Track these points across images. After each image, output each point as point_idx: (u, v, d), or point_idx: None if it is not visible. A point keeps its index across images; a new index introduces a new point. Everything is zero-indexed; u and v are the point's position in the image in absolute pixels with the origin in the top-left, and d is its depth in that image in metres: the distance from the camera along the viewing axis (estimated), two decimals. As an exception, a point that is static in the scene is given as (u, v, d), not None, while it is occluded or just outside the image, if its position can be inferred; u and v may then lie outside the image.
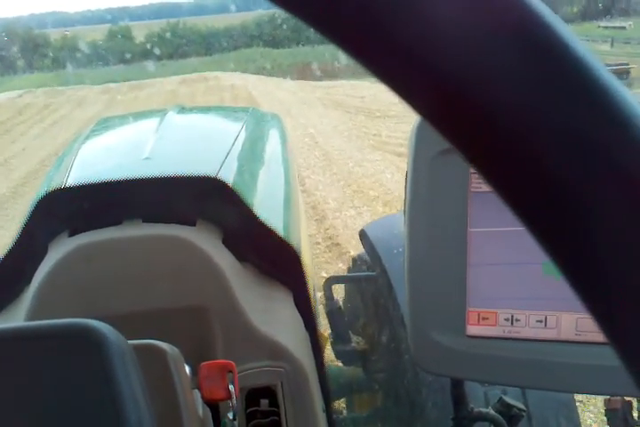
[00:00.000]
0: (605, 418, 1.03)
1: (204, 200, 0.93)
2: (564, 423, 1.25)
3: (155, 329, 0.70)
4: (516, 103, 0.16)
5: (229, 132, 1.53)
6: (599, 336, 0.60)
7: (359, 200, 5.26)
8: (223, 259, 0.88)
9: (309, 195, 5.41)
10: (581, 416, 1.39)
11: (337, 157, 6.86)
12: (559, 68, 0.16)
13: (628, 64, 11.66)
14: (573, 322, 0.61)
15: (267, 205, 1.17)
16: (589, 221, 0.16)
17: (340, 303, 1.82)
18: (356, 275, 1.83)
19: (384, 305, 1.51)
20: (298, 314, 0.96)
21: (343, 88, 12.60)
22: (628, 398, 1.01)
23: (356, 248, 2.76)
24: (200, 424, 0.65)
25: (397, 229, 1.55)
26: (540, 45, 0.16)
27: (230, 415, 0.74)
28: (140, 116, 1.97)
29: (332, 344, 1.75)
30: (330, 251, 4.21)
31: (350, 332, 1.77)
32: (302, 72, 16.79)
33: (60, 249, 0.86)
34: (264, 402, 0.83)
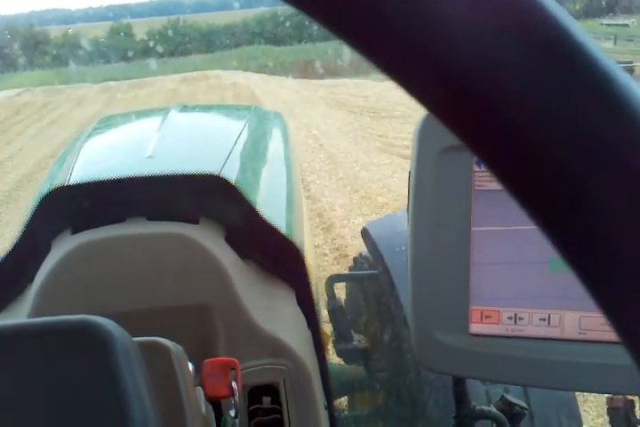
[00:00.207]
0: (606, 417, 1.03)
1: (207, 198, 0.93)
2: (566, 422, 1.25)
3: (158, 327, 0.70)
4: (527, 98, 0.16)
5: (232, 130, 1.53)
6: (602, 335, 0.60)
7: (367, 207, 5.02)
8: (226, 257, 0.88)
9: (315, 201, 5.21)
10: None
11: (342, 161, 6.62)
12: (569, 62, 0.16)
13: (632, 62, 11.62)
14: (577, 320, 0.61)
15: (269, 203, 1.17)
16: (600, 217, 0.16)
17: (343, 302, 1.82)
18: (358, 273, 1.83)
19: (386, 303, 1.51)
20: (300, 312, 0.96)
21: (346, 87, 12.41)
22: (630, 397, 1.01)
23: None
24: (203, 422, 0.65)
25: (400, 228, 1.55)
26: (550, 40, 0.16)
27: (232, 413, 0.74)
28: (142, 114, 1.97)
29: (334, 342, 1.75)
30: (338, 263, 3.91)
31: (352, 330, 1.78)
32: (304, 70, 16.75)
33: (62, 247, 0.86)
34: (266, 400, 0.83)
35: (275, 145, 1.67)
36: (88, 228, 0.88)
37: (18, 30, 28.04)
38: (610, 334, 0.59)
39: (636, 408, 1.02)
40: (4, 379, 0.46)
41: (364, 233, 1.70)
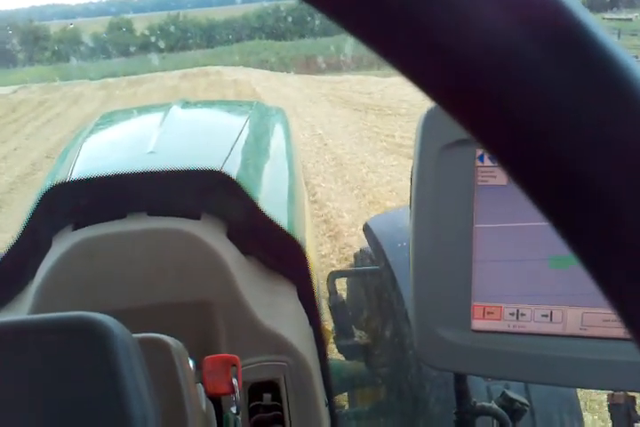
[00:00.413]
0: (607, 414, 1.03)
1: (209, 194, 0.92)
2: (567, 418, 1.25)
3: (158, 323, 0.69)
4: (540, 91, 0.16)
5: (234, 125, 1.53)
6: (604, 331, 0.60)
7: (376, 213, 4.55)
8: (227, 252, 0.88)
9: (321, 206, 4.97)
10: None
11: (348, 162, 6.35)
12: (585, 60, 0.16)
13: (637, 56, 11.59)
14: (579, 317, 0.60)
15: (271, 199, 1.17)
16: (614, 212, 0.16)
17: (344, 297, 1.82)
18: (359, 269, 1.83)
19: (388, 299, 1.51)
20: (302, 308, 0.96)
21: (349, 83, 12.19)
22: (631, 394, 1.01)
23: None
24: (203, 419, 0.65)
25: (402, 223, 1.55)
26: (564, 32, 0.16)
27: (233, 410, 0.74)
28: (144, 110, 1.97)
29: (335, 339, 1.75)
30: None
31: (353, 326, 1.78)
32: (306, 66, 16.68)
33: (63, 243, 0.86)
34: (267, 396, 0.83)
35: (276, 140, 1.67)
36: (89, 224, 0.88)
37: (17, 25, 27.96)
38: (612, 331, 0.59)
39: (637, 405, 1.02)
40: (3, 376, 0.46)
41: (366, 229, 1.70)
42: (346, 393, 1.95)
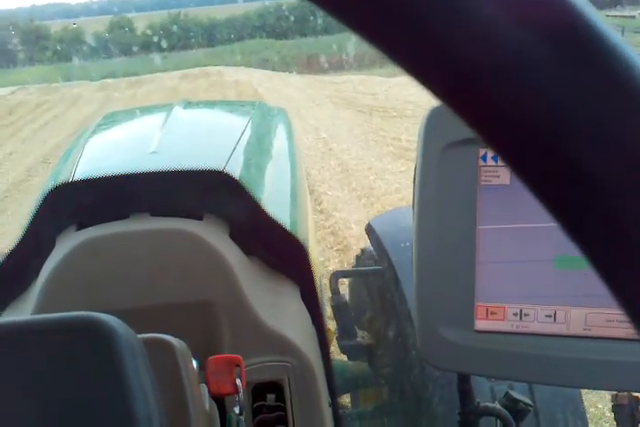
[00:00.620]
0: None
1: (211, 194, 0.92)
2: (571, 419, 1.24)
3: (162, 323, 0.69)
4: (547, 90, 0.16)
5: (236, 126, 1.53)
6: (608, 331, 0.60)
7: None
8: (230, 253, 0.88)
9: (328, 217, 4.70)
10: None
11: (355, 168, 6.03)
12: (592, 58, 0.16)
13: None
14: (582, 317, 0.60)
15: (274, 199, 1.17)
16: (618, 209, 0.16)
17: (347, 298, 1.82)
18: (362, 269, 1.83)
19: (390, 299, 1.51)
20: (305, 308, 0.96)
21: (352, 83, 11.94)
22: (635, 394, 1.01)
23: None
24: (207, 419, 0.65)
25: (404, 223, 1.54)
26: (570, 31, 0.16)
27: (237, 410, 0.74)
28: (146, 110, 1.97)
29: (338, 339, 1.75)
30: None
31: (356, 326, 1.77)
32: (308, 65, 16.63)
33: (67, 243, 0.86)
34: (270, 397, 0.83)
35: (279, 141, 1.67)
36: (92, 224, 0.88)
37: (18, 25, 27.93)
38: (616, 331, 0.59)
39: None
40: (8, 376, 0.46)
41: (369, 229, 1.70)
42: (349, 394, 1.95)
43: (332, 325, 1.80)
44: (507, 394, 0.84)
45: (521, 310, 0.62)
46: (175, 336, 0.61)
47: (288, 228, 0.98)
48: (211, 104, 2.30)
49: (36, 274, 0.88)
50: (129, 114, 1.95)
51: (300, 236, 1.03)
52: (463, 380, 0.81)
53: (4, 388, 0.45)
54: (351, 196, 5.23)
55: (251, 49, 22.11)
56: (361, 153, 6.66)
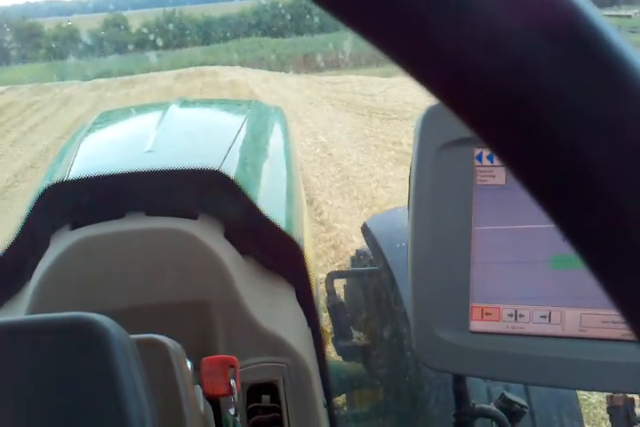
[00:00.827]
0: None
1: (206, 193, 0.92)
2: (567, 420, 1.25)
3: (156, 324, 0.69)
4: (548, 91, 0.16)
5: (232, 125, 1.53)
6: (603, 332, 0.60)
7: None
8: (225, 252, 0.88)
9: (329, 229, 4.40)
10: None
11: (356, 175, 5.74)
12: (591, 57, 0.16)
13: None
14: (577, 318, 0.60)
15: (269, 199, 1.17)
16: (614, 210, 0.16)
17: (342, 298, 1.82)
18: (358, 269, 1.83)
19: (386, 300, 1.51)
20: (300, 309, 0.96)
21: (350, 84, 11.77)
22: (630, 396, 1.01)
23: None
24: (201, 420, 0.64)
25: (400, 224, 1.54)
26: (572, 33, 0.16)
27: (232, 411, 0.73)
28: (142, 109, 1.96)
29: (334, 340, 1.75)
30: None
31: (352, 327, 1.77)
32: (304, 63, 16.58)
33: (61, 243, 0.86)
34: (265, 398, 0.83)
35: (275, 140, 1.67)
36: (87, 223, 0.87)
37: (11, 22, 27.81)
38: (611, 332, 0.59)
39: (636, 406, 1.02)
40: (0, 376, 0.46)
41: (365, 229, 1.70)
42: (344, 394, 1.95)
43: (327, 325, 1.79)
44: (502, 395, 0.84)
45: (516, 311, 0.62)
46: (170, 336, 0.61)
47: (283, 227, 0.98)
48: (207, 103, 2.30)
49: (31, 273, 0.87)
50: (124, 113, 1.95)
51: (296, 235, 1.02)
52: (459, 381, 0.81)
53: None
54: (352, 205, 4.94)
55: (246, 47, 22.02)
56: (361, 158, 6.40)
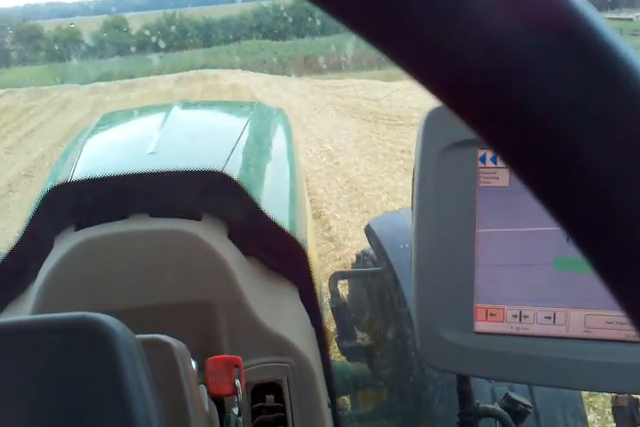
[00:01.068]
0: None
1: (210, 194, 0.92)
2: (571, 420, 1.24)
3: (161, 324, 0.69)
4: (546, 91, 0.16)
5: (235, 126, 1.53)
6: (607, 333, 0.60)
7: None
8: (229, 253, 0.88)
9: (338, 246, 4.11)
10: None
11: (364, 186, 5.42)
12: (591, 57, 0.16)
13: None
14: (582, 319, 0.60)
15: (272, 200, 1.17)
16: (620, 211, 0.16)
17: (346, 299, 1.82)
18: (362, 270, 1.83)
19: (390, 301, 1.51)
20: (304, 309, 0.96)
21: (354, 88, 11.46)
22: (635, 396, 1.00)
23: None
24: (206, 420, 0.65)
25: (404, 225, 1.54)
26: (573, 34, 0.16)
27: (236, 411, 0.73)
28: (145, 110, 1.97)
29: (338, 340, 1.75)
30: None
31: (355, 327, 1.77)
32: (306, 66, 16.53)
33: (65, 244, 0.86)
34: (270, 398, 0.83)
35: (278, 141, 1.67)
36: (91, 224, 0.88)
37: (12, 24, 27.78)
38: (615, 333, 0.59)
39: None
40: (6, 376, 0.46)
41: (368, 230, 1.70)
42: (349, 395, 1.95)
43: (331, 326, 1.79)
44: (506, 395, 0.84)
45: (520, 312, 0.62)
46: (174, 337, 0.61)
47: (287, 228, 0.98)
48: (209, 105, 2.30)
49: (35, 274, 0.87)
50: (127, 114, 1.95)
51: (299, 236, 1.03)
52: (463, 381, 0.81)
53: (2, 388, 0.45)
54: (363, 219, 4.49)
55: (247, 50, 21.95)
56: (370, 168, 6.09)
